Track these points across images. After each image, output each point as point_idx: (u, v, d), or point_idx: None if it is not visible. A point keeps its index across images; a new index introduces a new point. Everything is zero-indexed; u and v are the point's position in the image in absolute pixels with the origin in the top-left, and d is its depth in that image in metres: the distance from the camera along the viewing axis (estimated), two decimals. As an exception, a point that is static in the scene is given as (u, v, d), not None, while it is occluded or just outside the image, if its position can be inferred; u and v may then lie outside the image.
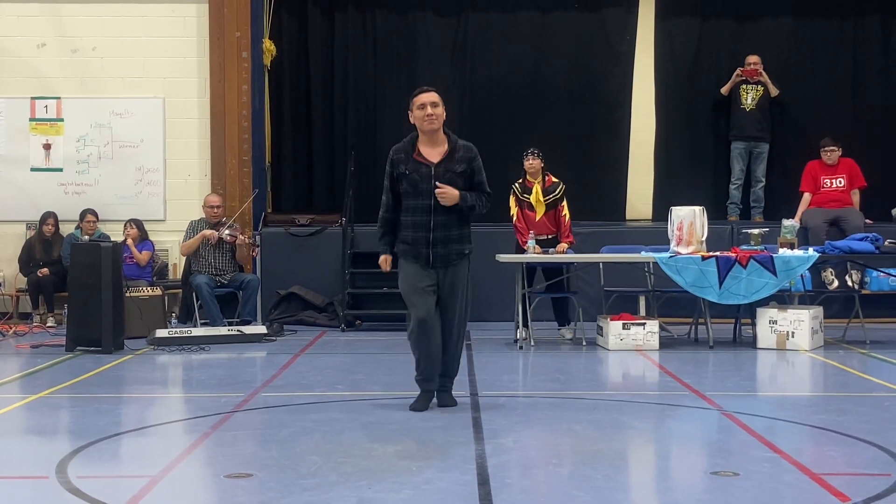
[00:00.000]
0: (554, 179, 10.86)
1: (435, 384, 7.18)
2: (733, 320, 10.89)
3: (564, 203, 10.81)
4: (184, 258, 12.16)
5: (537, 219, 10.76)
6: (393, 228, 7.15)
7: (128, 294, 11.07)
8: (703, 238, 10.26)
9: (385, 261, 7.25)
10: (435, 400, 7.19)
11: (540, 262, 10.62)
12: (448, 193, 6.91)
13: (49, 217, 12.54)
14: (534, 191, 10.76)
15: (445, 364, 7.17)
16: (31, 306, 12.49)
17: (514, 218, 10.86)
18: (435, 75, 13.42)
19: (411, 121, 7.05)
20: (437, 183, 6.91)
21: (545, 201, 10.76)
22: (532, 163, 10.75)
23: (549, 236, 10.74)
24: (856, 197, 12.59)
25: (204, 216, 11.92)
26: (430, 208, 6.94)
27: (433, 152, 6.99)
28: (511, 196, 10.87)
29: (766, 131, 13.35)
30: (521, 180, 10.87)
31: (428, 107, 6.93)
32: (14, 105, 13.07)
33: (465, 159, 7.02)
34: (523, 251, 10.49)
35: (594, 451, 6.01)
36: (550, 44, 13.75)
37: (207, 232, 11.57)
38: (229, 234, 11.61)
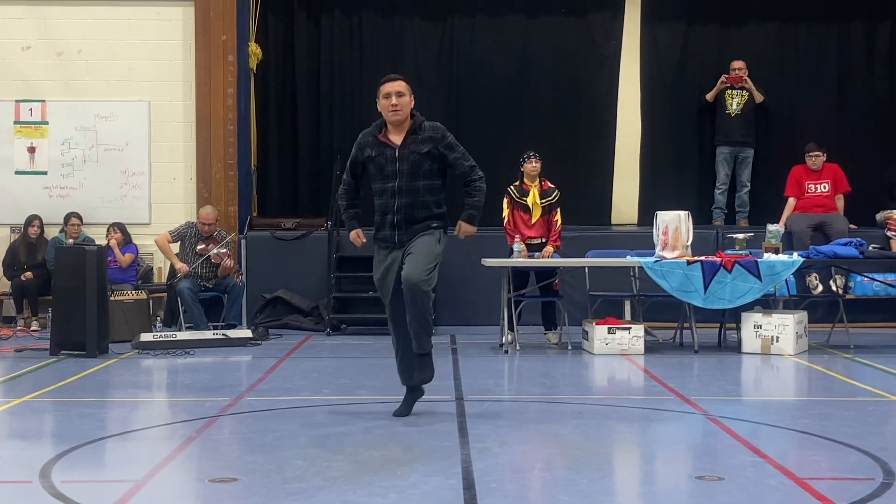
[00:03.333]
0: (550, 185, 10.88)
1: (413, 379, 7.06)
2: (718, 325, 10.91)
3: (558, 209, 10.84)
4: (168, 262, 12.09)
5: (532, 221, 10.79)
6: (355, 200, 7.14)
7: (112, 298, 11.04)
8: (689, 243, 10.28)
9: (357, 235, 7.14)
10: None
11: (525, 267, 10.63)
12: (468, 233, 6.98)
13: (34, 220, 12.49)
14: (531, 193, 10.78)
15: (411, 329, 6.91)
16: (14, 310, 12.44)
17: (506, 220, 10.87)
18: (421, 79, 13.43)
19: (378, 108, 6.97)
20: (390, 185, 6.81)
21: (541, 204, 10.79)
22: (535, 165, 10.78)
23: (542, 239, 10.77)
24: (840, 202, 12.63)
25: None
26: (394, 191, 6.85)
27: (398, 136, 6.92)
28: (505, 198, 10.89)
29: (751, 136, 13.39)
30: (517, 183, 10.88)
31: (393, 97, 6.84)
32: (-2, 108, 13.04)
33: (430, 139, 6.89)
34: (515, 254, 10.53)
35: (579, 455, 6.01)
36: (536, 48, 13.77)
37: (182, 270, 11.49)
38: (216, 255, 11.55)
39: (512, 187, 10.90)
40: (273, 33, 13.72)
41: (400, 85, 6.90)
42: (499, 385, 9.00)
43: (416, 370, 7.01)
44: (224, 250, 11.63)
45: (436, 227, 6.90)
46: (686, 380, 8.98)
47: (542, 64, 13.76)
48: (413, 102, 6.98)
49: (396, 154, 6.87)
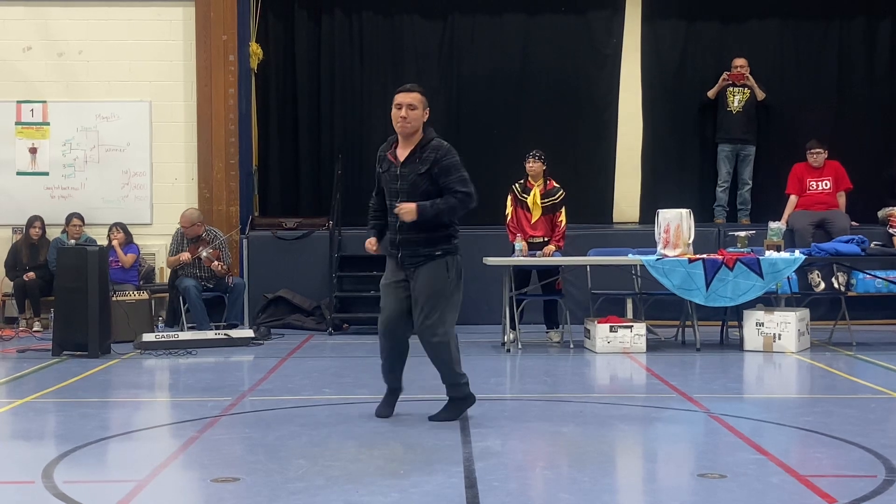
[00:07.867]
0: (555, 184, 10.86)
1: (395, 382, 6.97)
2: (720, 323, 10.91)
3: (563, 210, 10.81)
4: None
5: (533, 221, 10.78)
6: (379, 215, 6.97)
7: (114, 298, 11.03)
8: (690, 240, 10.28)
9: (371, 243, 7.01)
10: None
11: (526, 266, 10.62)
12: (405, 211, 6.56)
13: (36, 220, 12.50)
14: (532, 193, 10.77)
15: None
16: (17, 311, 12.44)
17: (508, 218, 10.87)
18: (421, 78, 13.41)
19: (392, 117, 6.80)
20: (395, 203, 6.64)
21: (542, 204, 10.77)
22: (532, 165, 10.76)
23: (545, 238, 10.75)
24: (842, 199, 12.62)
25: None
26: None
27: (404, 153, 6.75)
28: (509, 195, 10.88)
29: (752, 134, 13.38)
30: (522, 181, 10.88)
31: (404, 108, 6.65)
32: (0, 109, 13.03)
33: (430, 159, 6.63)
34: (517, 252, 10.52)
35: (581, 453, 6.02)
36: (537, 46, 13.76)
37: (184, 256, 11.50)
38: (206, 257, 11.53)
39: (516, 185, 10.89)
40: (273, 33, 13.73)
41: (413, 97, 6.69)
42: (501, 384, 8.99)
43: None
44: (212, 250, 11.58)
45: (440, 254, 6.64)
46: (688, 378, 8.98)
47: (543, 62, 13.75)
48: (427, 116, 6.75)
49: (398, 172, 6.71)
